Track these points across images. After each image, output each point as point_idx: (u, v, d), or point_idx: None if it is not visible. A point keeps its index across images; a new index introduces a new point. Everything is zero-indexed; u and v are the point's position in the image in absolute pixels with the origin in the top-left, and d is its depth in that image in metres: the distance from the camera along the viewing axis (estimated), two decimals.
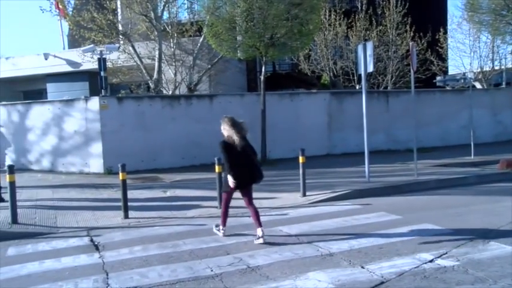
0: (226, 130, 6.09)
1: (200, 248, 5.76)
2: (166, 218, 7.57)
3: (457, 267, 4.74)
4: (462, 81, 15.13)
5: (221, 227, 6.38)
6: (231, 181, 5.94)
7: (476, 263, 4.83)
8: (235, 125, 6.01)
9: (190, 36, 18.03)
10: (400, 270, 4.71)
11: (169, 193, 9.63)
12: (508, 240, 5.51)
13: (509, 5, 16.09)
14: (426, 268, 4.74)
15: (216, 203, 8.13)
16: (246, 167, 5.99)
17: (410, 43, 11.54)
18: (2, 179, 8.71)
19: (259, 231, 5.94)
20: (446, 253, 5.16)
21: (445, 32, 21.44)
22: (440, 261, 4.91)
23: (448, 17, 24.28)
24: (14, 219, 7.27)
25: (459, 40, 21.30)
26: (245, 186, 6.10)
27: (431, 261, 4.94)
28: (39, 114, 13.43)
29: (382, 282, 4.42)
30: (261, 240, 5.87)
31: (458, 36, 21.38)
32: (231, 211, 7.82)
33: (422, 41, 19.59)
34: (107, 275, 4.94)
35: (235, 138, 5.94)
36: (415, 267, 4.77)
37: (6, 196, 7.93)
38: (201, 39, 17.02)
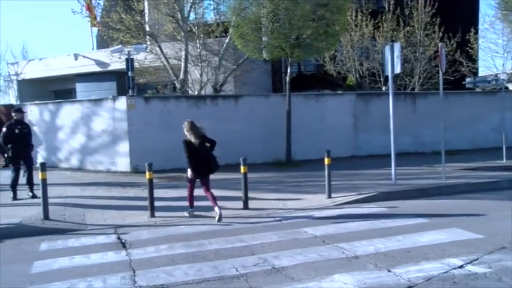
0: (186, 131, 7.47)
1: (225, 248, 5.80)
2: (192, 218, 7.64)
3: (489, 274, 4.61)
4: (494, 82, 14.69)
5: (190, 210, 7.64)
6: (189, 173, 7.53)
7: (510, 270, 4.69)
8: (193, 128, 7.45)
9: (216, 37, 18.16)
10: (428, 274, 4.63)
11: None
12: None
13: None
14: (456, 274, 4.64)
15: (240, 204, 8.16)
16: (202, 160, 7.46)
17: (439, 44, 11.32)
18: (35, 176, 8.97)
19: (216, 209, 7.27)
20: (477, 259, 5.04)
21: (476, 32, 20.89)
22: (470, 267, 4.79)
23: (480, 16, 23.61)
24: (46, 215, 7.47)
25: (491, 40, 20.74)
26: (203, 176, 7.55)
27: (461, 267, 4.83)
28: (68, 113, 13.76)
29: (410, 287, 4.35)
30: (217, 217, 7.19)
31: (491, 36, 20.88)
32: (254, 213, 7.89)
33: (452, 42, 19.17)
34: (134, 272, 5.02)
35: (192, 138, 7.39)
36: (444, 273, 4.67)
37: (38, 193, 8.17)
38: (227, 40, 17.12)
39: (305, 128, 14.00)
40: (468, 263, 4.91)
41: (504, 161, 12.80)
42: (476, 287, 4.30)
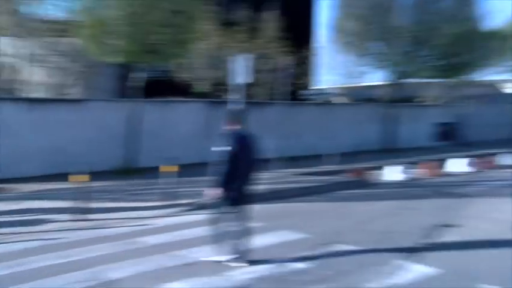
0: None
1: (57, 264, 5.49)
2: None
3: (310, 269, 5.26)
4: (324, 96, 16.50)
5: None
6: None
7: (328, 264, 5.42)
8: None
9: (64, 36, 16.85)
10: (264, 274, 5.11)
11: (23, 205, 8.84)
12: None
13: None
14: (284, 271, 5.16)
15: (77, 215, 7.73)
16: None
17: (281, 58, 12.28)
18: None
19: None
20: (303, 256, 5.66)
21: (315, 49, 23.01)
22: (296, 265, 5.39)
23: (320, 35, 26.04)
24: None
25: (326, 58, 23.06)
26: None
27: (288, 265, 5.37)
28: None
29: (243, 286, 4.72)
30: None
31: (326, 54, 23.06)
32: (91, 223, 7.56)
33: (295, 56, 20.81)
34: None
35: None
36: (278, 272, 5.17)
37: None
38: (75, 41, 15.99)
39: (154, 134, 13.84)
40: (294, 261, 5.48)
41: (332, 166, 14.39)
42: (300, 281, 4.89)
